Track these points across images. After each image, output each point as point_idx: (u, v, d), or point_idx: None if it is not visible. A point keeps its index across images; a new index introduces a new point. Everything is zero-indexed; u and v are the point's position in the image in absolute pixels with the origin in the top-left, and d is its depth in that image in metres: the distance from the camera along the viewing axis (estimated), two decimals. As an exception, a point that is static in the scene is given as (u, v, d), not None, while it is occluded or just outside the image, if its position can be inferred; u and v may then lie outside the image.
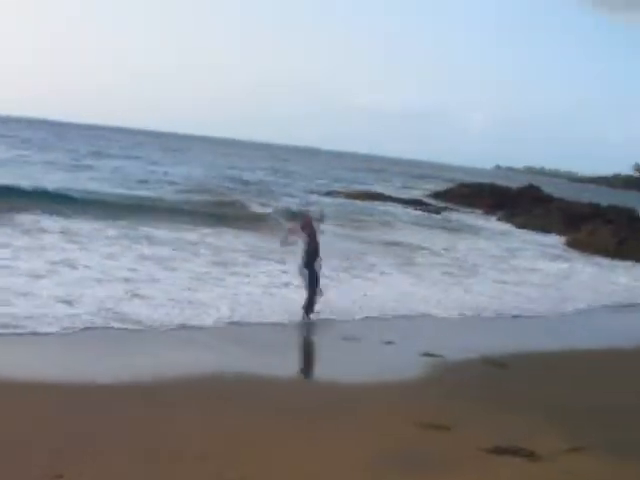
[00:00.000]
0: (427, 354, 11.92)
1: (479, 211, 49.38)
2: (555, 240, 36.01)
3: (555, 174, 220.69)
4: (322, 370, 11.39)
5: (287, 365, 11.13)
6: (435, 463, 7.15)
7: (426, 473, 6.92)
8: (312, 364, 12.08)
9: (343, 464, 7.03)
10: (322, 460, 7.11)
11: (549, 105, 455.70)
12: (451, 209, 48.43)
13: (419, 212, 43.73)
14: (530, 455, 7.37)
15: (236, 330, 12.69)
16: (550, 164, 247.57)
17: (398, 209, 43.66)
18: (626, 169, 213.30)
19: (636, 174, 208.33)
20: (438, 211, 45.94)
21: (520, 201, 50.46)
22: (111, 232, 21.41)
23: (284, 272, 17.57)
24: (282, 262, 18.83)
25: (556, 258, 28.87)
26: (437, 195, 58.18)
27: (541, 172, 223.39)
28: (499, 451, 7.42)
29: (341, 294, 16.05)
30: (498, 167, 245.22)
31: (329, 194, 49.74)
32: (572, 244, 34.23)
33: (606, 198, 57.14)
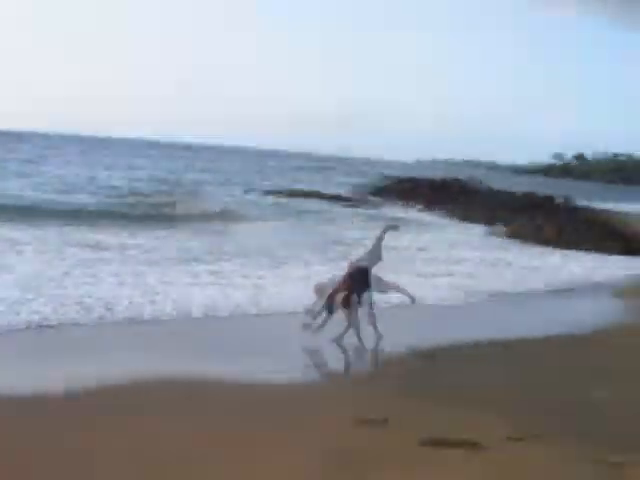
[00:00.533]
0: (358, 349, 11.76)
1: (418, 206, 49.52)
2: (494, 231, 36.19)
3: (492, 166, 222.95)
4: (252, 368, 10.93)
5: (217, 364, 10.71)
6: (377, 459, 6.97)
7: (368, 470, 6.72)
8: (241, 362, 11.46)
9: (284, 467, 6.80)
10: (263, 464, 6.86)
11: (483, 98, 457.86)
12: (388, 205, 48.58)
13: (358, 209, 43.86)
14: (473, 446, 7.24)
15: (163, 327, 12.66)
16: (487, 156, 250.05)
17: (335, 207, 43.79)
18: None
19: (555, 161, 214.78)
20: (375, 207, 46.17)
21: (459, 194, 50.85)
22: (45, 238, 21.10)
23: (213, 272, 17.43)
24: (212, 263, 18.74)
25: (495, 248, 29.00)
26: (375, 191, 58.28)
27: (479, 164, 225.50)
28: (441, 443, 7.28)
29: (274, 289, 16.09)
30: (435, 160, 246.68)
31: (268, 193, 49.61)
32: (512, 234, 34.52)
33: (543, 188, 57.90)
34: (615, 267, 26.19)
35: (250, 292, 15.59)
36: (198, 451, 7.13)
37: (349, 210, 42.89)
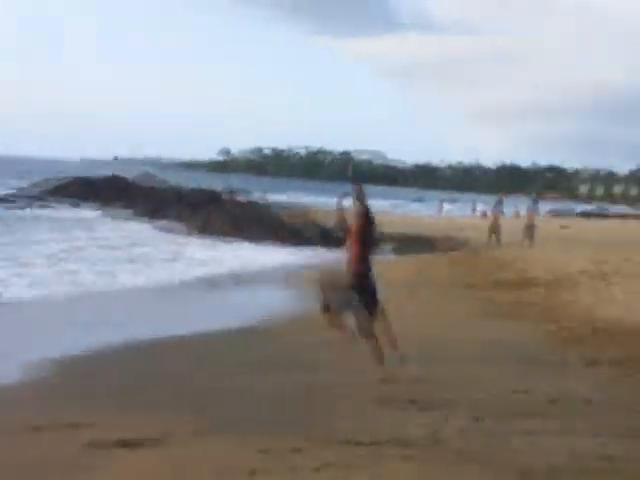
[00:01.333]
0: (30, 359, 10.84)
1: (89, 205, 48.88)
2: (164, 225, 37.07)
3: (170, 163, 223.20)
4: None
5: None
6: (58, 466, 6.58)
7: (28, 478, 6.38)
8: None
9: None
10: None
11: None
12: (59, 205, 47.58)
13: (26, 211, 42.62)
14: (157, 443, 7.17)
15: None
16: (166, 153, 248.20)
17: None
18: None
19: (221, 158, 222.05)
20: (45, 207, 45.34)
21: (131, 192, 50.87)
22: None
23: None
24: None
25: (164, 242, 29.54)
26: (45, 192, 55.57)
27: (157, 162, 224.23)
28: (125, 444, 7.10)
29: None
30: (116, 158, 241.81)
31: None
32: (185, 229, 35.43)
33: (210, 183, 58.52)
34: (283, 257, 27.48)
35: None
36: None
37: (17, 212, 41.46)
